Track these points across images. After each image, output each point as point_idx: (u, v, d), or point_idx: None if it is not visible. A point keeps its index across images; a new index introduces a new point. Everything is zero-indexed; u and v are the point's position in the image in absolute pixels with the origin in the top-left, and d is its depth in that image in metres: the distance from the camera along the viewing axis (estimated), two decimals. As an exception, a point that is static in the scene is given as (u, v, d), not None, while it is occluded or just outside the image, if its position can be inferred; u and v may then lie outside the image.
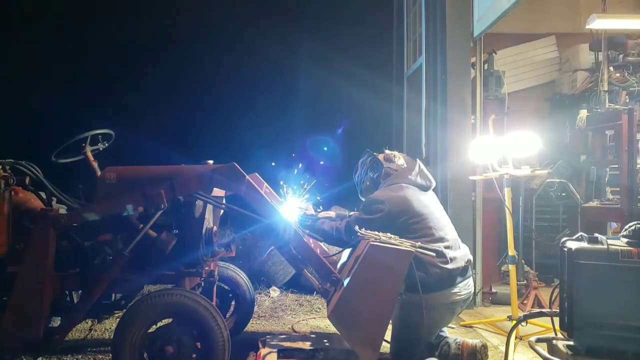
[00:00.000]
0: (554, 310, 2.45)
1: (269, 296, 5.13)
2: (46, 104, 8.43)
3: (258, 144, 4.37)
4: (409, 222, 3.09)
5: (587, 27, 4.87)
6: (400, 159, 3.44)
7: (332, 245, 3.49)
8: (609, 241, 2.25)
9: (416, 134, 5.91)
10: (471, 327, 4.11)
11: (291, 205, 3.55)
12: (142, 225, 2.78)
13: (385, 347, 3.16)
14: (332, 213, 3.56)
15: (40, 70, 8.75)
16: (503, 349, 3.13)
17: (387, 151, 3.51)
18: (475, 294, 4.25)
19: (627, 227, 2.30)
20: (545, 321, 2.83)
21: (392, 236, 2.75)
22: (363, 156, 3.55)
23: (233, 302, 3.79)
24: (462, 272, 3.10)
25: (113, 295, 3.20)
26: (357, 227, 2.89)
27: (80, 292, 3.02)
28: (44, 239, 2.70)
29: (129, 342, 2.60)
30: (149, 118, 8.08)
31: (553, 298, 2.58)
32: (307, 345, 3.30)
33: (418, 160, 3.45)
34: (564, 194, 5.17)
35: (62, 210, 2.92)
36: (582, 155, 5.24)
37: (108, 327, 3.97)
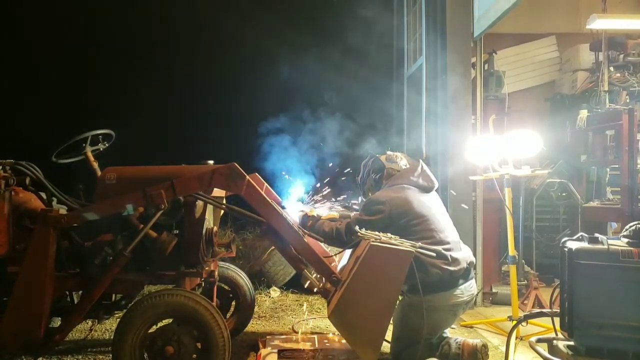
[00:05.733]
0: (554, 310, 2.45)
1: (269, 296, 5.13)
2: (46, 104, 8.44)
3: (257, 143, 4.37)
4: (410, 224, 3.08)
5: (587, 27, 4.88)
6: (402, 160, 3.45)
7: (332, 246, 3.50)
8: (610, 241, 2.24)
9: (416, 134, 5.91)
10: (472, 327, 4.11)
11: (292, 206, 3.56)
12: (142, 226, 2.78)
13: (386, 347, 3.15)
14: (335, 214, 3.56)
15: (40, 70, 8.75)
16: (503, 349, 3.13)
17: (389, 152, 3.52)
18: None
19: (627, 227, 2.30)
20: (546, 321, 2.83)
21: (393, 236, 2.75)
22: (365, 158, 3.56)
23: (233, 303, 3.79)
24: (464, 274, 3.09)
25: (113, 295, 3.20)
26: (357, 228, 2.89)
27: (80, 292, 3.02)
28: (45, 239, 2.70)
29: (129, 342, 2.60)
30: (149, 118, 8.08)
31: (553, 298, 2.58)
32: (307, 345, 3.30)
33: (421, 161, 3.44)
34: (564, 194, 5.17)
35: (63, 210, 2.92)
36: (582, 155, 5.24)
37: (108, 327, 3.97)
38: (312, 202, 3.78)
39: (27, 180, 2.90)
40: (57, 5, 8.55)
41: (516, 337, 3.47)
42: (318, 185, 3.89)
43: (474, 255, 3.51)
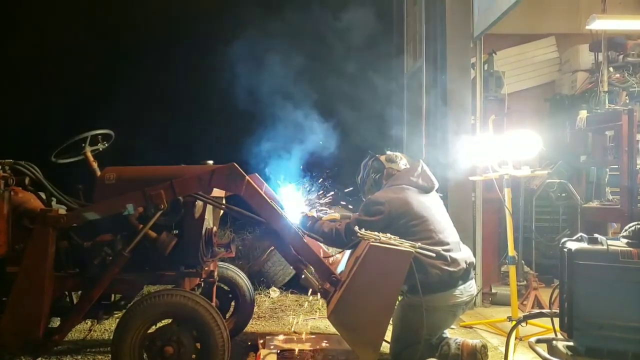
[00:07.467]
0: (553, 310, 2.45)
1: (269, 297, 5.13)
2: (46, 104, 8.43)
3: (257, 144, 4.37)
4: (409, 225, 3.08)
5: (587, 27, 4.88)
6: (402, 160, 3.45)
7: (332, 247, 3.49)
8: (609, 242, 2.24)
9: (416, 134, 5.91)
10: (471, 327, 4.11)
11: (292, 206, 3.56)
12: (141, 226, 2.78)
13: (385, 347, 3.15)
14: (336, 215, 3.56)
15: (40, 69, 8.75)
16: (503, 349, 3.13)
17: (388, 152, 3.52)
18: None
19: (627, 227, 2.30)
20: (545, 322, 2.83)
21: (392, 237, 2.75)
22: (365, 158, 3.56)
23: (233, 303, 3.79)
24: (464, 274, 3.09)
25: (112, 295, 3.20)
26: (356, 228, 2.89)
27: (79, 292, 3.02)
28: (44, 239, 2.70)
29: (128, 342, 2.60)
30: (148, 118, 8.08)
31: (553, 299, 2.58)
32: (306, 345, 3.30)
33: (421, 161, 3.44)
34: (564, 195, 5.17)
35: (62, 210, 2.91)
36: (582, 155, 5.24)
37: (108, 327, 3.97)
38: (312, 203, 3.78)
39: (27, 180, 2.90)
40: (57, 5, 8.56)
41: (516, 338, 3.46)
42: (316, 186, 3.89)
43: (474, 255, 3.52)
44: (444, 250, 2.99)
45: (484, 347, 3.06)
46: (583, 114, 5.00)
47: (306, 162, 4.20)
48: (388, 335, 3.03)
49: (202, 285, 3.29)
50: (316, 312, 4.63)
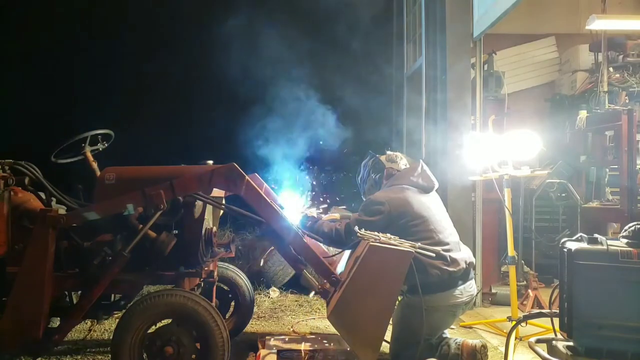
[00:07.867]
0: (553, 310, 2.45)
1: (269, 297, 5.13)
2: (46, 104, 8.44)
3: (257, 144, 4.38)
4: (409, 224, 3.08)
5: (587, 27, 4.88)
6: (402, 160, 3.45)
7: (331, 247, 3.49)
8: (609, 242, 2.24)
9: (416, 134, 5.91)
10: (471, 327, 4.11)
11: (292, 207, 3.56)
12: (141, 226, 2.78)
13: (385, 347, 3.15)
14: (336, 215, 3.56)
15: (40, 70, 8.76)
16: (503, 349, 3.13)
17: (389, 152, 3.52)
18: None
19: (626, 227, 2.30)
20: (545, 322, 2.83)
21: (392, 237, 2.75)
22: (365, 158, 3.56)
23: (233, 303, 3.79)
24: (464, 275, 3.09)
25: (112, 295, 3.20)
26: (356, 228, 2.89)
27: (79, 292, 3.02)
28: (44, 240, 2.70)
29: (128, 342, 2.60)
30: (148, 118, 8.08)
31: (553, 299, 2.58)
32: (306, 345, 3.29)
33: (421, 161, 3.44)
34: (563, 195, 5.17)
35: (62, 210, 2.92)
36: (582, 155, 5.24)
37: (107, 327, 3.97)
38: (312, 203, 3.78)
39: (27, 180, 2.90)
40: (57, 5, 8.56)
41: (515, 338, 3.46)
42: (316, 186, 3.89)
43: (474, 255, 3.52)
44: (443, 250, 2.99)
45: (484, 347, 3.06)
46: (583, 114, 5.00)
47: (305, 161, 4.20)
48: (388, 335, 3.03)
49: (202, 285, 3.29)
50: (316, 312, 4.63)
